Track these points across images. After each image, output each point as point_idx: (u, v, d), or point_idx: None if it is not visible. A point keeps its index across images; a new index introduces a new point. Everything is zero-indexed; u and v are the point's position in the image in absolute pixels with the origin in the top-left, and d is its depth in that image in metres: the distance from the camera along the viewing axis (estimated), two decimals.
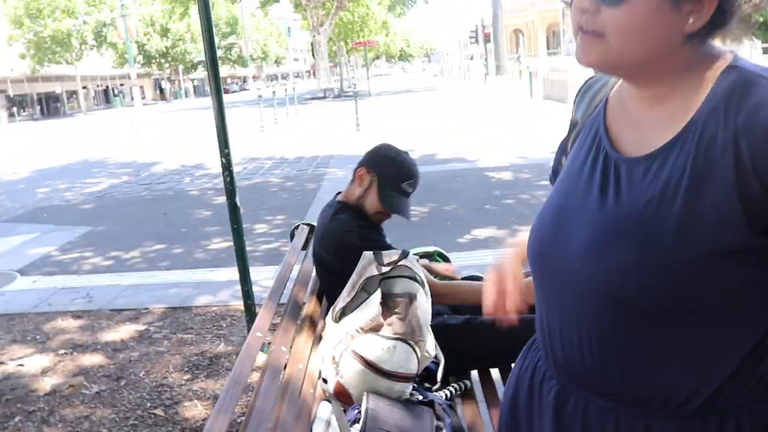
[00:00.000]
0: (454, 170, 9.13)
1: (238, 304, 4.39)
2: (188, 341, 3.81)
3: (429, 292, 2.01)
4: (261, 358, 2.21)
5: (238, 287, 4.66)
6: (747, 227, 0.82)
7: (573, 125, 1.14)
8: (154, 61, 52.92)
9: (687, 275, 0.84)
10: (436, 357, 1.97)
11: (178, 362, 3.51)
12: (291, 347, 1.88)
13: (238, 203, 3.49)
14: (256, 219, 6.87)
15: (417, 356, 1.82)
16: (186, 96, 59.96)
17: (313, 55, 36.41)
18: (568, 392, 1.02)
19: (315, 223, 2.98)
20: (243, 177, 9.91)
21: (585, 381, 0.98)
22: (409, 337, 1.84)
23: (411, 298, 1.94)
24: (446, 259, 2.91)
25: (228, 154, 3.40)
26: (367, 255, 2.10)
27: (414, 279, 1.99)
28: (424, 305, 1.93)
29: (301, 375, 1.80)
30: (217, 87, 3.33)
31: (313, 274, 2.55)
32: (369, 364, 1.76)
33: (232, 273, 5.11)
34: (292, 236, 2.98)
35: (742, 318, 0.87)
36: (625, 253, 0.88)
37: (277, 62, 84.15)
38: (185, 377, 3.33)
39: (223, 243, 6.11)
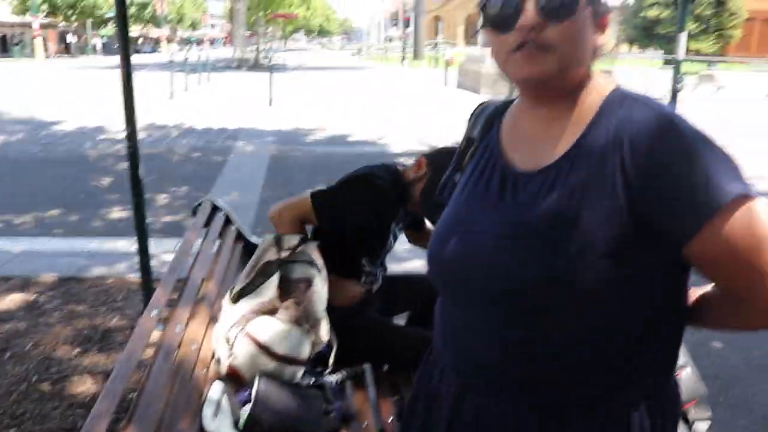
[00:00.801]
0: (362, 153, 9.21)
1: (135, 277, 4.31)
2: (80, 313, 3.71)
3: (327, 278, 2.07)
4: (156, 335, 2.21)
5: (136, 260, 4.58)
6: (633, 236, 0.94)
7: (469, 142, 1.23)
8: (60, 12, 49.95)
9: (576, 277, 0.94)
10: (329, 341, 2.03)
11: (68, 335, 3.43)
12: (186, 326, 1.90)
13: (141, 175, 3.42)
14: (158, 189, 6.70)
15: (310, 341, 1.88)
16: (94, 52, 56.96)
17: (230, 22, 35.45)
18: (466, 391, 1.10)
19: (219, 201, 2.98)
20: (147, 145, 9.60)
21: (483, 378, 1.07)
22: (303, 322, 1.90)
23: (308, 283, 1.99)
24: None
25: (133, 124, 3.32)
26: (267, 238, 2.14)
27: (312, 264, 2.05)
28: (320, 291, 1.98)
29: (194, 355, 1.83)
30: (126, 54, 3.22)
31: (213, 251, 2.56)
32: (262, 347, 1.81)
33: (130, 244, 4.99)
34: (194, 212, 2.95)
35: (623, 314, 0.99)
36: (520, 260, 0.98)
37: (193, 26, 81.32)
38: (76, 351, 3.25)
39: (123, 212, 5.95)
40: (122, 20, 3.18)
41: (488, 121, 1.21)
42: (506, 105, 1.19)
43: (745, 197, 0.91)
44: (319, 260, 2.06)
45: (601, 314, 0.98)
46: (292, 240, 2.06)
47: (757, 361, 3.38)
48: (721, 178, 0.91)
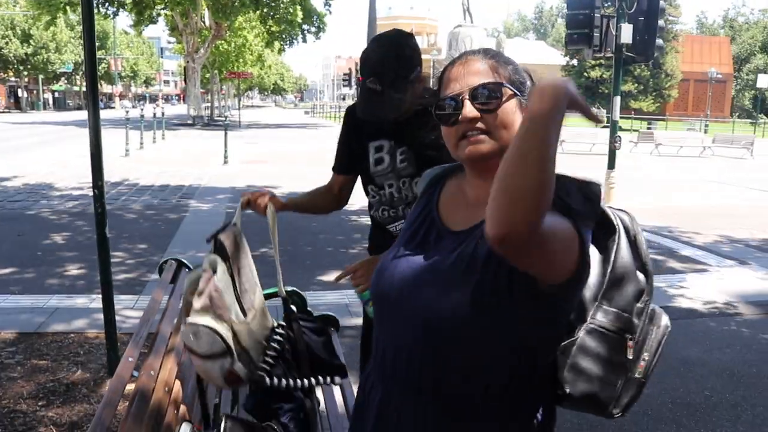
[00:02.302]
0: None
1: (96, 331, 4.42)
2: (43, 368, 3.81)
3: (242, 266, 2.00)
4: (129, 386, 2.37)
5: (96, 315, 4.70)
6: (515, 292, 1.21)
7: (414, 196, 1.53)
8: (11, 67, 49.61)
9: (475, 317, 1.22)
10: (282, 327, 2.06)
11: (32, 388, 3.52)
12: (158, 372, 2.09)
13: (108, 233, 3.60)
14: (114, 247, 6.78)
15: (221, 331, 1.86)
16: (45, 108, 56.45)
17: (185, 80, 35.76)
18: (390, 397, 1.36)
19: (182, 259, 3.17)
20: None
21: (404, 385, 1.33)
22: (210, 313, 1.86)
23: (212, 271, 1.92)
24: (302, 299, 3.17)
25: (101, 186, 3.51)
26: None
27: (220, 252, 1.96)
28: (221, 276, 1.92)
29: (166, 398, 2.01)
30: (96, 113, 3.40)
31: (179, 306, 2.74)
32: (191, 351, 1.87)
33: (90, 300, 5.11)
34: (160, 271, 3.14)
35: (504, 343, 1.25)
36: (434, 298, 1.26)
37: (147, 83, 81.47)
38: (40, 403, 3.35)
39: (81, 269, 6.04)
40: (92, 80, 3.37)
41: (432, 180, 1.50)
42: (452, 170, 1.47)
43: None
44: (230, 248, 1.98)
45: (490, 343, 1.25)
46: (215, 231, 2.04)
47: (681, 399, 3.68)
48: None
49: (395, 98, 2.19)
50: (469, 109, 1.27)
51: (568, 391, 1.31)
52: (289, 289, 3.20)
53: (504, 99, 1.27)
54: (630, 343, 1.29)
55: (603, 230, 1.31)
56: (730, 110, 65.18)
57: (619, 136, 10.73)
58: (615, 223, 1.32)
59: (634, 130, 31.55)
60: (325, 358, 2.14)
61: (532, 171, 1.00)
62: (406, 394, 1.33)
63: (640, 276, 1.32)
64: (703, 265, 6.88)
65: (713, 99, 52.32)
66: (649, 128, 34.31)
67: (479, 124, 1.27)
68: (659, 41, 10.23)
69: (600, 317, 1.30)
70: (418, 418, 1.31)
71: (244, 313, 1.94)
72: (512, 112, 1.27)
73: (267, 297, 3.18)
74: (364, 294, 2.23)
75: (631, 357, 1.30)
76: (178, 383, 2.18)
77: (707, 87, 51.22)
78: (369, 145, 2.46)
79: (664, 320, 1.35)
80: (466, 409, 1.29)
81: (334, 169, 2.61)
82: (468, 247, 1.27)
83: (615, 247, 1.30)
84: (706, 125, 39.33)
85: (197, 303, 1.89)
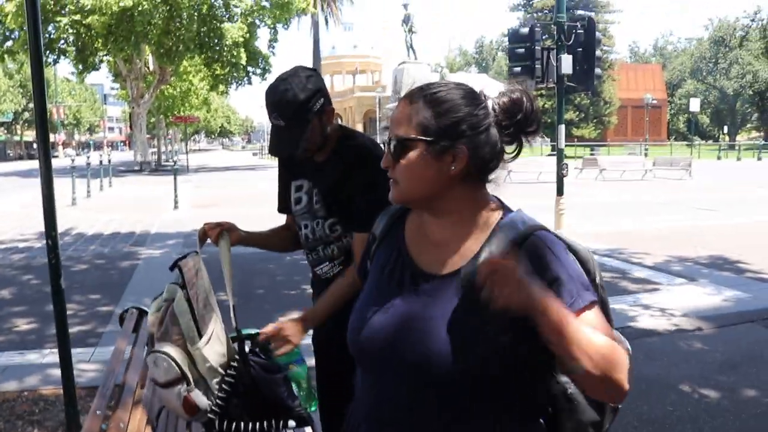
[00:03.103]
0: (269, 252, 9.35)
1: (52, 388, 4.27)
2: None
3: (199, 292, 2.00)
4: None
5: (50, 371, 4.55)
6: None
7: (373, 238, 1.52)
8: None
9: (461, 364, 1.23)
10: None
11: None
12: (128, 424, 2.04)
13: (63, 284, 3.51)
14: (65, 299, 6.60)
15: (176, 357, 1.86)
16: None
17: (130, 126, 35.35)
18: None
19: (144, 308, 3.11)
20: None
21: (388, 426, 1.33)
22: (166, 340, 1.89)
23: (171, 300, 1.95)
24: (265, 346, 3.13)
25: (55, 236, 3.44)
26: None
27: (178, 283, 1.98)
28: (178, 303, 1.93)
29: None
30: (48, 169, 3.36)
31: (144, 355, 2.68)
32: (155, 382, 1.89)
33: (42, 356, 4.94)
34: (121, 320, 3.08)
35: (500, 397, 1.27)
36: (420, 345, 1.26)
37: (91, 130, 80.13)
38: None
39: (31, 324, 5.85)
40: (43, 129, 3.31)
41: (391, 220, 1.49)
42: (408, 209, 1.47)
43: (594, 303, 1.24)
44: (188, 274, 1.99)
45: (481, 395, 1.28)
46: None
47: (646, 416, 3.75)
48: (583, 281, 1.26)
49: (294, 133, 2.18)
50: (386, 158, 1.33)
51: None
52: (253, 331, 3.17)
53: (408, 151, 1.29)
54: None
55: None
56: (667, 133, 67.71)
57: (566, 163, 11.02)
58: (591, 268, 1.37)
59: (578, 157, 32.47)
60: (278, 398, 2.05)
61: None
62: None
63: None
64: (654, 284, 7.07)
65: (650, 123, 54.28)
66: (592, 154, 35.34)
67: (390, 172, 1.34)
68: (598, 70, 10.63)
69: None
70: None
71: (201, 338, 1.92)
72: (414, 163, 1.29)
73: (233, 339, 3.15)
74: (287, 356, 2.12)
75: None
76: (149, 430, 2.14)
77: (644, 112, 53.18)
78: (291, 184, 2.47)
79: (626, 345, 1.38)
80: None
81: (278, 209, 2.62)
82: (451, 296, 1.29)
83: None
84: (646, 149, 40.74)
85: (157, 332, 1.90)
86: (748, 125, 77.75)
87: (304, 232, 2.42)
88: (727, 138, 64.36)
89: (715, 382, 4.28)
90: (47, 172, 3.35)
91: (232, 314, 2.10)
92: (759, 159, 38.91)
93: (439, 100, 1.29)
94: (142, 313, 3.03)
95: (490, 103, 1.32)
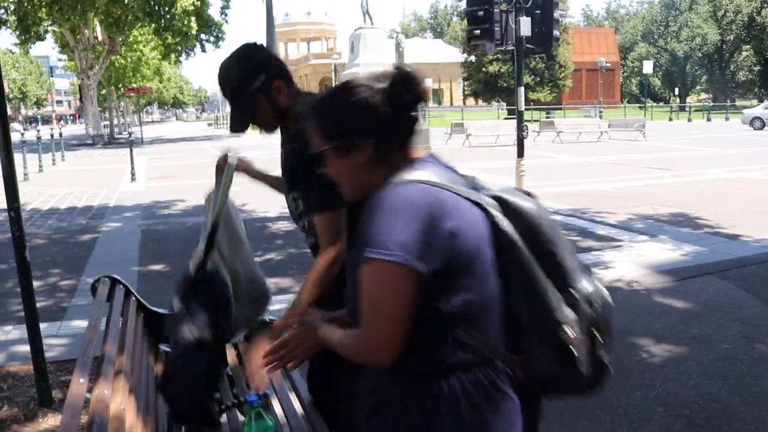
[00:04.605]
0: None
1: (18, 364, 4.20)
2: None
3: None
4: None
5: (16, 347, 4.47)
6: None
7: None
8: None
9: None
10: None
11: None
12: (112, 391, 2.01)
13: (28, 257, 3.43)
14: None
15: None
16: None
17: (80, 98, 34.29)
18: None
19: (115, 276, 3.06)
20: (6, 230, 9.14)
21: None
22: None
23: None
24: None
25: (17, 208, 3.35)
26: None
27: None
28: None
29: (123, 414, 1.95)
30: (6, 137, 3.26)
31: (119, 324, 2.65)
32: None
33: (5, 333, 4.83)
34: (93, 290, 3.02)
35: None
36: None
37: (38, 104, 77.60)
38: None
39: None
40: (1, 103, 3.22)
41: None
42: None
43: (370, 260, 1.34)
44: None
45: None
46: None
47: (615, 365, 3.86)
48: (371, 239, 1.35)
49: (239, 111, 2.22)
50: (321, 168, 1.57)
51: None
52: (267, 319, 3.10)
53: (327, 159, 1.52)
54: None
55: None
56: (621, 96, 68.73)
57: (526, 125, 11.12)
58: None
59: (535, 120, 32.75)
60: None
61: None
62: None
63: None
64: (618, 241, 7.24)
65: (604, 87, 54.96)
66: (548, 118, 35.68)
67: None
68: (556, 32, 10.67)
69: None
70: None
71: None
72: (336, 167, 1.52)
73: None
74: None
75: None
76: (132, 398, 2.11)
77: (598, 76, 53.78)
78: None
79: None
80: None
81: None
82: None
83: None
84: (601, 111, 41.27)
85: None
86: (698, 87, 79.41)
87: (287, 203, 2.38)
88: (678, 100, 65.62)
89: (677, 332, 4.43)
90: (5, 143, 3.25)
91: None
92: (708, 120, 39.81)
93: (327, 110, 1.50)
94: (115, 282, 2.98)
95: (373, 89, 1.44)
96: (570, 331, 1.40)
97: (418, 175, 1.41)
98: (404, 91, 1.43)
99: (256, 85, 2.17)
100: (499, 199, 1.45)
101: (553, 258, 1.43)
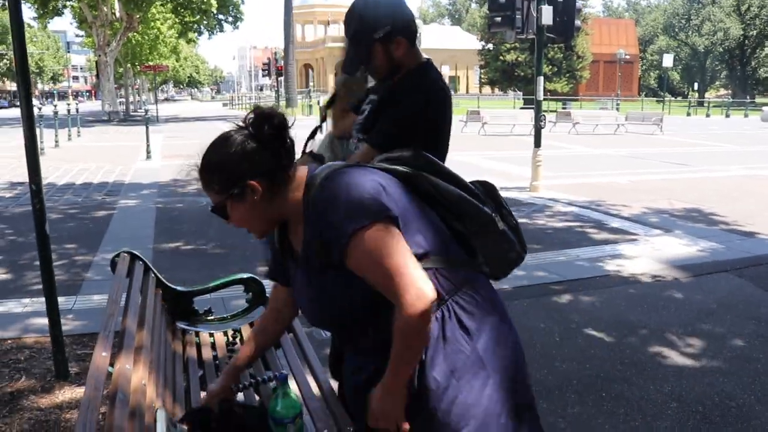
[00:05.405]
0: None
1: (35, 336, 4.23)
2: None
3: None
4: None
5: (33, 320, 4.51)
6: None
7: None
8: None
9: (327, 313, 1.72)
10: None
11: None
12: (133, 366, 2.02)
13: (48, 231, 3.45)
14: None
15: None
16: None
17: (97, 75, 34.36)
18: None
19: (135, 252, 3.06)
20: (24, 203, 9.22)
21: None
22: None
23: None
24: (260, 285, 3.14)
25: (39, 182, 3.36)
26: None
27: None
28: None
29: (144, 389, 1.96)
30: (29, 111, 3.27)
31: (139, 300, 2.66)
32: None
33: (23, 305, 4.87)
34: (113, 266, 3.03)
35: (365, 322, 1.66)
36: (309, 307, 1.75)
37: (55, 79, 77.84)
38: None
39: (7, 274, 5.76)
40: (24, 77, 3.22)
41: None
42: None
43: (358, 230, 1.48)
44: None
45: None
46: None
47: (629, 359, 3.86)
48: (348, 217, 1.49)
49: (354, 52, 2.27)
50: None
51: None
52: (246, 276, 3.16)
53: (227, 210, 1.66)
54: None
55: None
56: (638, 89, 68.09)
57: (544, 115, 11.05)
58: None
59: (551, 111, 32.52)
60: None
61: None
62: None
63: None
64: (632, 235, 7.19)
65: (622, 79, 54.46)
66: (564, 108, 35.40)
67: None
68: (577, 22, 10.57)
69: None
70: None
71: None
72: (236, 214, 1.66)
73: (226, 285, 3.14)
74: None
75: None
76: (153, 374, 2.13)
77: (616, 68, 53.28)
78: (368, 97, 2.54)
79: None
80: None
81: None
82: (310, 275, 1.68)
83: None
84: (618, 104, 40.92)
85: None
86: (717, 83, 78.54)
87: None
88: (696, 95, 64.96)
89: (692, 328, 4.40)
90: (29, 117, 3.26)
91: None
92: (727, 116, 39.35)
93: (208, 168, 1.64)
94: (134, 258, 2.99)
95: (242, 134, 1.61)
96: (498, 221, 1.74)
97: (325, 170, 1.62)
98: (266, 128, 1.60)
99: (378, 35, 2.22)
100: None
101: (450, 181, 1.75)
